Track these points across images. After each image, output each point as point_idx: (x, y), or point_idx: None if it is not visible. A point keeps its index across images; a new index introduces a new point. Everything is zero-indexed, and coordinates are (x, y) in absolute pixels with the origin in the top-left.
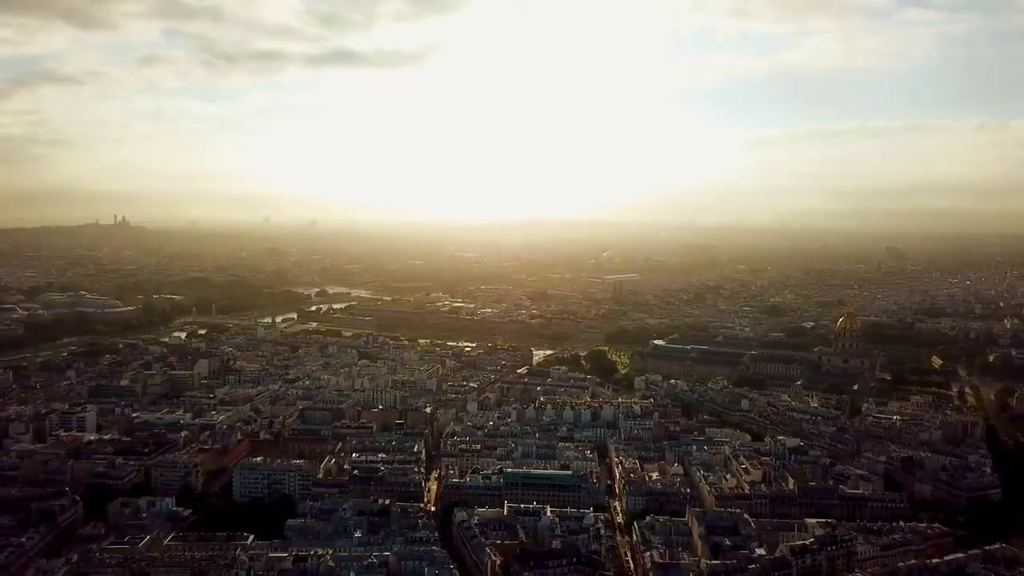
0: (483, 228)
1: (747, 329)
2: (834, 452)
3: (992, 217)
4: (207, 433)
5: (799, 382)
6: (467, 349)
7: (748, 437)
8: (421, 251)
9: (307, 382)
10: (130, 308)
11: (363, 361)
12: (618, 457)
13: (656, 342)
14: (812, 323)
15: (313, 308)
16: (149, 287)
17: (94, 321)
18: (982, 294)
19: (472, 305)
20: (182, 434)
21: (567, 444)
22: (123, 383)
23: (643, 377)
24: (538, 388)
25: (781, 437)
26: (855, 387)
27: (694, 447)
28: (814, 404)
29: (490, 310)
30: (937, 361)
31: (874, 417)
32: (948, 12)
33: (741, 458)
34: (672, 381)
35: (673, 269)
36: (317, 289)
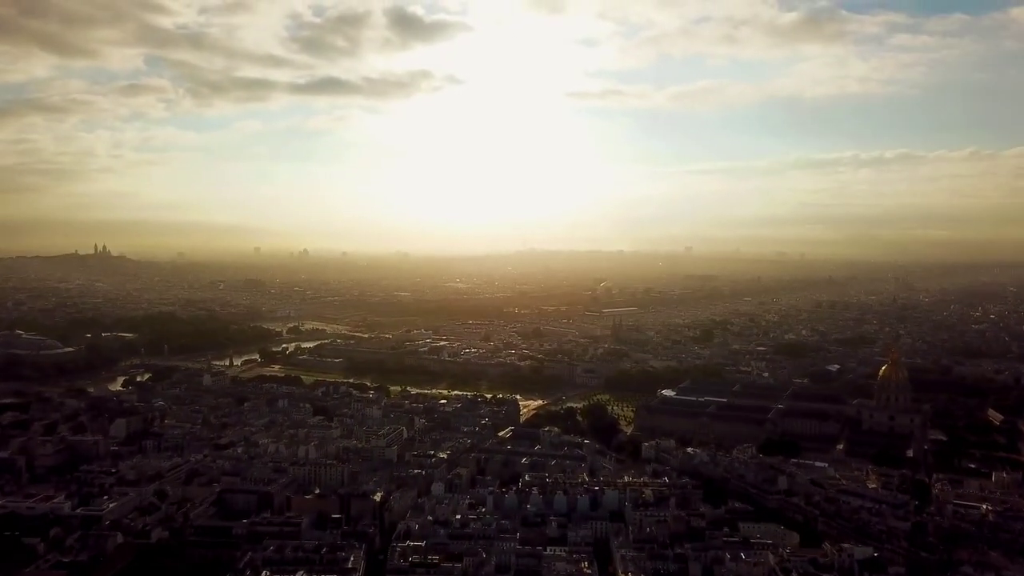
0: (477, 259)
1: (766, 374)
2: (916, 563)
3: (989, 246)
4: (76, 535)
5: (840, 446)
6: (443, 402)
7: (796, 537)
8: (411, 282)
9: (240, 449)
10: (70, 349)
11: (317, 418)
12: (625, 571)
13: (664, 393)
14: (837, 366)
15: (280, 348)
16: (106, 322)
17: (25, 366)
18: (1014, 330)
19: (456, 344)
20: (50, 533)
21: (558, 550)
22: (4, 454)
23: (652, 443)
24: (523, 460)
25: (847, 545)
26: (909, 452)
27: (727, 555)
28: (872, 484)
29: (475, 350)
30: (995, 416)
31: (955, 505)
32: (940, 37)
33: (794, 574)
34: (689, 450)
35: (674, 302)
36: (291, 324)
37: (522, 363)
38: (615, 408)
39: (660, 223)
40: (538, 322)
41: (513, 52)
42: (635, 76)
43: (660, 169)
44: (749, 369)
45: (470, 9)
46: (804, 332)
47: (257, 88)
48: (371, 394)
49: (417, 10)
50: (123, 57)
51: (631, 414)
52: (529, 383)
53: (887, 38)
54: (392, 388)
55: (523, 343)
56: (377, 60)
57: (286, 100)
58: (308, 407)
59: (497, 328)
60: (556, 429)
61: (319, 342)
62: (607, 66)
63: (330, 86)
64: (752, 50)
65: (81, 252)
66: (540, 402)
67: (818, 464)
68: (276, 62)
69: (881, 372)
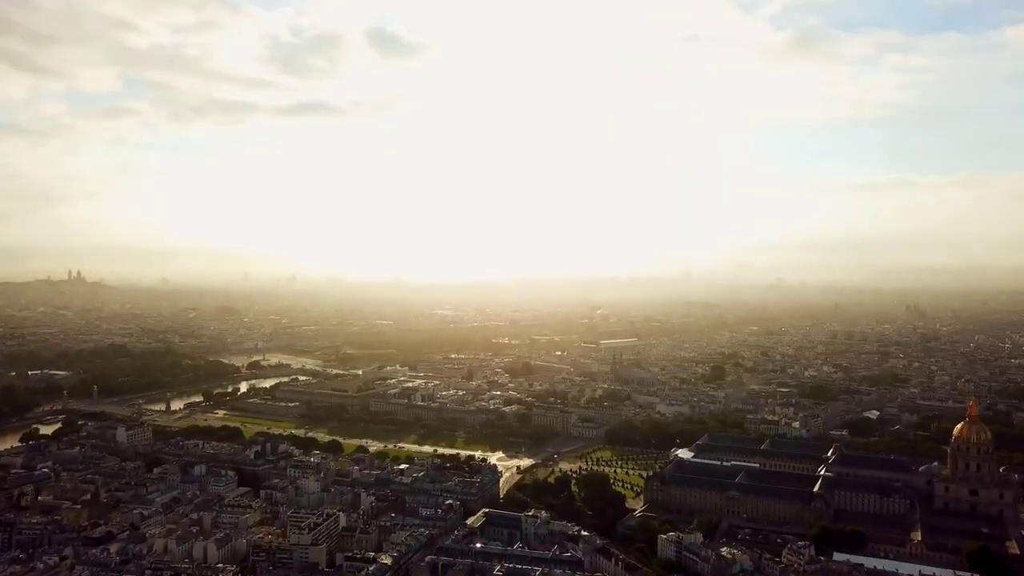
0: (473, 284)
1: (796, 424)
2: None
3: (985, 272)
4: None
5: (916, 534)
6: (403, 467)
7: None
8: (397, 310)
9: (115, 547)
10: None
11: (240, 491)
12: None
13: (680, 455)
14: (876, 412)
15: (233, 388)
16: (47, 356)
17: None
18: None
19: (433, 384)
20: None
21: None
22: None
23: (673, 536)
24: (497, 569)
25: None
26: (1011, 545)
27: None
28: None
29: (454, 392)
30: None
31: None
32: (933, 57)
33: None
34: (724, 552)
35: (677, 331)
36: (255, 358)
37: (507, 409)
38: (618, 469)
39: (654, 248)
40: (529, 355)
41: (497, 72)
42: (625, 95)
43: (652, 192)
44: (776, 418)
45: (451, 29)
46: (826, 368)
47: (240, 111)
48: (315, 456)
49: (398, 29)
50: (98, 78)
51: (639, 479)
52: (514, 436)
53: (879, 58)
54: (349, 443)
55: (510, 382)
56: (359, 81)
57: (270, 122)
58: (232, 475)
59: (483, 363)
60: (544, 513)
61: (278, 380)
62: (592, 86)
63: (313, 108)
64: (743, 70)
65: (55, 278)
66: (527, 462)
67: (902, 572)
68: (257, 84)
69: (956, 431)
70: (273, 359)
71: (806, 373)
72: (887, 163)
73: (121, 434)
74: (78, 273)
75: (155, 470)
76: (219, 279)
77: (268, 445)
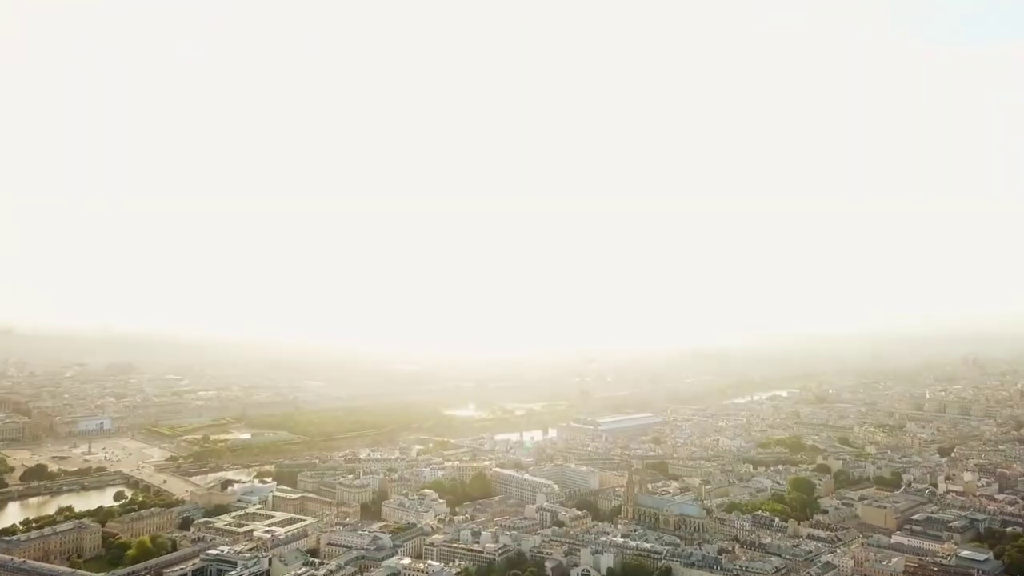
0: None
1: None
2: None
3: (990, 317)
4: None
5: None
6: None
7: None
8: (340, 363)
9: None
10: None
11: None
12: None
13: None
14: None
15: None
16: None
17: None
18: None
19: (303, 524)
20: None
21: None
22: None
23: None
24: None
25: None
26: None
27: None
28: None
29: (308, 571)
30: None
31: None
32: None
33: None
34: None
35: (698, 396)
36: (78, 449)
37: None
38: None
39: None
40: (492, 446)
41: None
42: (590, 125)
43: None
44: None
45: None
46: (967, 476)
47: None
48: None
49: None
50: None
51: None
52: None
53: (867, 82)
54: None
55: (442, 526)
56: None
57: None
58: None
59: (412, 468)
60: None
61: (35, 517)
62: (557, 112)
63: None
64: (714, 97)
65: None
66: None
67: None
68: None
69: None
70: (110, 448)
71: (942, 486)
72: (871, 203)
73: None
74: None
75: None
76: (178, 326)
77: None
